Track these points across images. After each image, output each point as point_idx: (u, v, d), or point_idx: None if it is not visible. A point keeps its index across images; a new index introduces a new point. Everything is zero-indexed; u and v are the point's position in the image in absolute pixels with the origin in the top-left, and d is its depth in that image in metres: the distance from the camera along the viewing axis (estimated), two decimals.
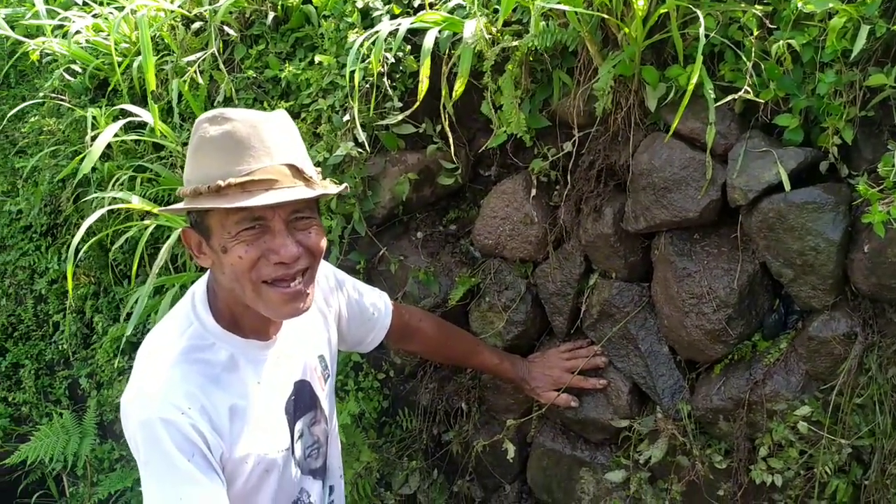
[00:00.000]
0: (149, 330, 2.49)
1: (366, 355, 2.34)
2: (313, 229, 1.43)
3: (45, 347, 3.64)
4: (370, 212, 2.33)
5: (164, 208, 1.44)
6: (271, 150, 1.36)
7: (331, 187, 1.44)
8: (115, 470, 3.34)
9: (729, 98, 1.62)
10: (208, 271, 1.54)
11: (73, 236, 3.30)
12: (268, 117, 1.41)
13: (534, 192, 2.12)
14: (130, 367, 3.27)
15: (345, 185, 1.51)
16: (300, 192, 1.35)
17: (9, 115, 3.16)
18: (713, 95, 1.66)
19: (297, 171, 1.38)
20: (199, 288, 1.54)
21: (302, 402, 1.60)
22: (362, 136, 2.14)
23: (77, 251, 2.54)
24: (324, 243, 1.45)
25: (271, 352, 1.54)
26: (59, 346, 3.54)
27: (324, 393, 1.67)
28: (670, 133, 1.69)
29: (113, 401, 3.30)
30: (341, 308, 1.81)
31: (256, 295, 1.41)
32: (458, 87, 1.92)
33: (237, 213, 1.35)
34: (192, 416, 1.36)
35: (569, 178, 2.01)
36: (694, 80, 1.56)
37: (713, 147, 1.71)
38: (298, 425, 1.59)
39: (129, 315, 3.21)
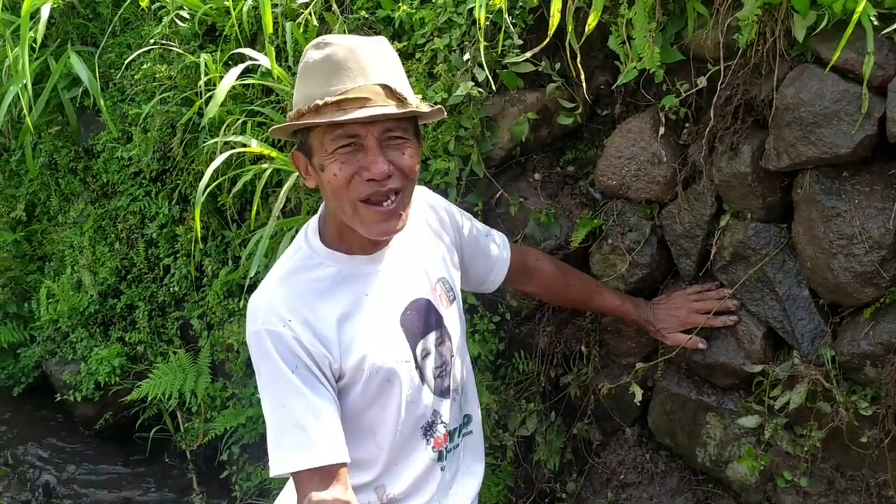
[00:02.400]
0: (259, 272, 2.54)
1: (481, 298, 2.34)
2: (407, 151, 1.48)
3: (156, 290, 3.76)
4: (488, 153, 2.30)
5: (273, 128, 1.52)
6: (367, 71, 1.43)
7: (423, 107, 1.49)
8: (227, 408, 3.46)
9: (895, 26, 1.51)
10: (322, 206, 1.62)
11: (182, 181, 3.39)
12: (366, 41, 1.48)
13: (662, 130, 2.04)
14: (241, 309, 3.35)
15: (438, 105, 1.56)
16: (391, 109, 1.41)
17: (125, 63, 3.21)
18: (875, 23, 1.55)
19: (390, 91, 1.43)
20: (312, 220, 1.64)
21: (424, 320, 1.63)
22: (484, 75, 2.09)
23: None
24: (416, 166, 1.51)
25: (378, 267, 1.59)
26: (170, 289, 3.65)
27: (450, 313, 1.69)
28: (830, 64, 1.59)
29: (224, 342, 3.40)
30: (461, 241, 1.81)
31: (354, 212, 1.48)
32: (592, 20, 1.85)
33: (333, 131, 1.42)
34: (295, 329, 1.46)
35: (705, 114, 1.93)
36: (861, 8, 1.46)
37: (870, 79, 1.61)
38: (423, 343, 1.62)
39: (236, 259, 3.29)
